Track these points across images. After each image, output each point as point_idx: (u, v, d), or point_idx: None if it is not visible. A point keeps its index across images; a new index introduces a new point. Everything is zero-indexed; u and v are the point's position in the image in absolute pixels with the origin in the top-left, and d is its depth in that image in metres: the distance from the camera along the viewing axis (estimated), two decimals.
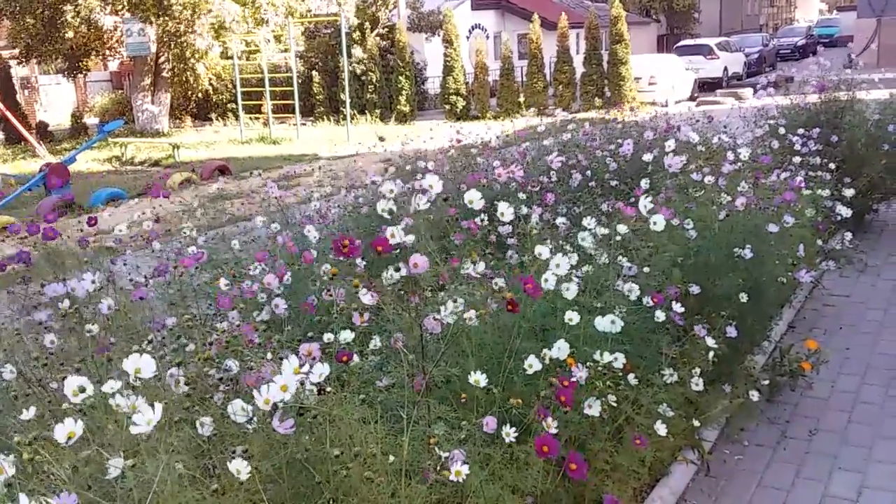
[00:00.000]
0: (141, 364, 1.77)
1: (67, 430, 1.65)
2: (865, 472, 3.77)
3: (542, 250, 2.71)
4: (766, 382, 4.33)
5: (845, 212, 5.17)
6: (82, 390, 1.72)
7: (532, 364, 2.51)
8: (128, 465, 1.61)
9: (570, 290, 2.71)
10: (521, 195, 4.76)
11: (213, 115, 25.81)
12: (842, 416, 4.34)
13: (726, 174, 4.57)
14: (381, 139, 7.28)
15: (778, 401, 4.50)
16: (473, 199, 2.59)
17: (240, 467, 1.74)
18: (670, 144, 4.74)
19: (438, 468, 2.04)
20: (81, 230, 4.22)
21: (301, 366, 1.93)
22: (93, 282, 3.14)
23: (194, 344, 2.49)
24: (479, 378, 2.32)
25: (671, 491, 3.60)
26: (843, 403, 4.48)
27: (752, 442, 4.13)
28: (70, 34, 20.29)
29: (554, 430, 2.42)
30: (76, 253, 3.89)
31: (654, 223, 3.11)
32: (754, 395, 3.94)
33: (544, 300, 2.86)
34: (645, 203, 3.09)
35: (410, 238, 2.38)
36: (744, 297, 3.81)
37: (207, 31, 19.63)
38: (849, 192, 5.66)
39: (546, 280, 2.58)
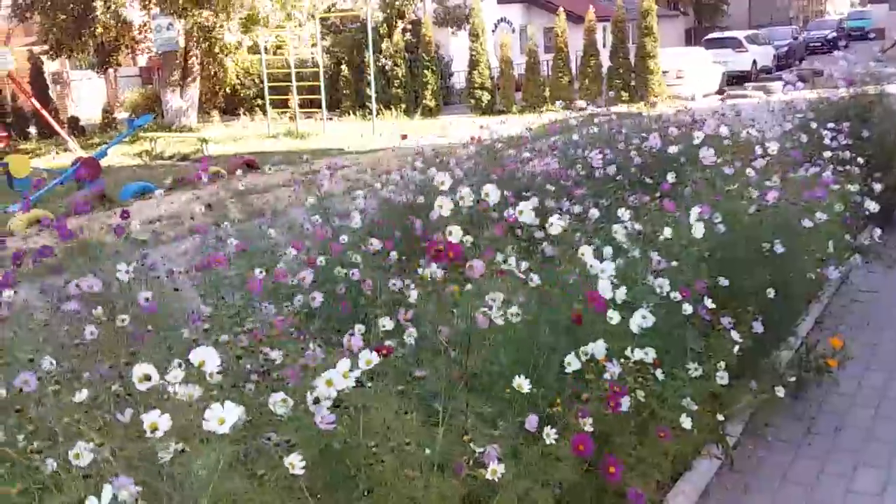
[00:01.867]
0: (205, 356, 1.83)
1: (151, 420, 1.70)
2: (891, 469, 3.77)
3: (586, 251, 2.74)
4: (793, 378, 4.32)
5: (873, 206, 5.14)
6: (147, 378, 1.78)
7: (571, 363, 2.55)
8: (178, 450, 1.67)
9: (619, 294, 2.75)
10: (550, 187, 4.79)
11: (241, 110, 26.02)
12: (868, 412, 4.33)
13: (756, 169, 4.55)
14: (403, 137, 7.33)
15: (804, 397, 4.49)
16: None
17: (294, 461, 1.80)
18: (699, 136, 4.73)
19: (472, 463, 2.08)
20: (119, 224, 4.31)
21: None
22: (127, 272, 3.23)
23: (229, 336, 2.55)
24: (521, 383, 2.35)
25: (694, 485, 3.62)
26: (870, 400, 4.46)
27: (777, 437, 4.13)
28: (100, 30, 20.54)
29: (590, 428, 2.46)
30: (108, 245, 3.98)
31: (694, 231, 3.14)
32: (780, 391, 3.94)
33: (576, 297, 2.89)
34: (695, 211, 3.12)
35: (468, 238, 2.44)
36: (771, 293, 3.81)
37: (238, 26, 19.78)
38: (878, 187, 5.62)
39: (603, 290, 2.64)
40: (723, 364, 3.29)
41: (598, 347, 2.59)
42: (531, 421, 2.37)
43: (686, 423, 2.88)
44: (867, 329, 5.46)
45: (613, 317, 2.72)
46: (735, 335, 3.37)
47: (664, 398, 2.95)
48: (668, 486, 3.56)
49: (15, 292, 3.37)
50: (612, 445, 2.82)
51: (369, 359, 1.97)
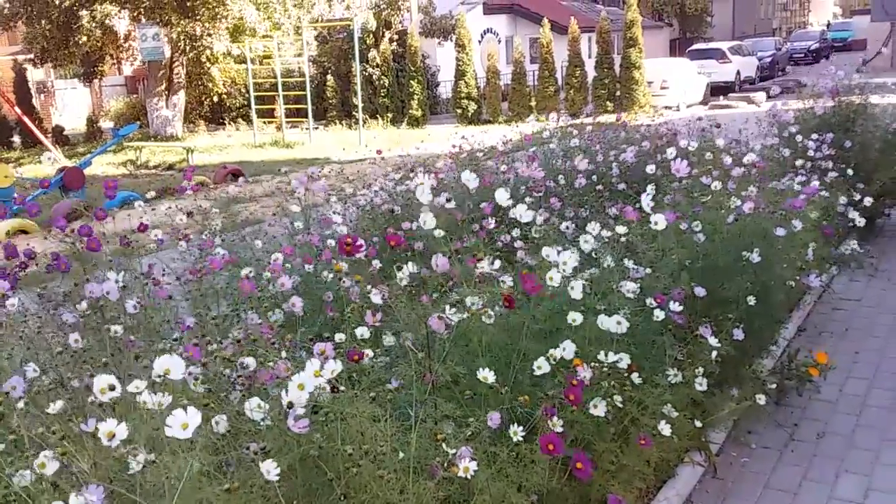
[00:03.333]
0: (170, 364, 1.81)
1: (108, 428, 1.68)
2: (872, 475, 3.79)
3: (550, 252, 2.76)
4: (775, 386, 4.35)
5: (858, 218, 5.19)
6: (111, 388, 1.77)
7: (541, 366, 2.57)
8: (150, 461, 1.66)
9: (576, 290, 2.75)
10: (528, 199, 4.81)
11: (227, 120, 25.99)
12: (849, 419, 4.36)
13: (735, 178, 4.60)
14: (378, 152, 7.37)
15: (786, 404, 4.52)
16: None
17: (269, 468, 1.79)
18: (672, 151, 4.79)
19: (446, 465, 2.08)
20: (104, 233, 4.29)
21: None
22: (117, 281, 3.22)
23: (214, 343, 2.55)
24: (486, 375, 2.35)
25: (678, 492, 3.63)
26: (851, 407, 4.50)
27: (760, 444, 4.15)
28: (84, 39, 20.47)
29: (559, 429, 2.47)
30: (101, 253, 3.96)
31: (656, 223, 3.16)
32: (761, 399, 3.97)
33: (552, 302, 2.90)
34: (647, 202, 3.13)
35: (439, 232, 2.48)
36: (751, 301, 3.84)
37: (224, 35, 19.78)
38: (867, 201, 5.68)
39: (551, 278, 2.64)
40: (701, 371, 3.31)
41: (567, 348, 2.61)
42: (493, 418, 2.37)
43: (665, 429, 2.89)
44: (849, 337, 5.50)
45: (577, 318, 2.73)
46: (712, 341, 3.39)
47: (645, 405, 2.96)
48: (652, 494, 3.58)
49: (4, 296, 3.36)
50: (594, 452, 2.83)
51: (335, 367, 1.97)
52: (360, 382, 2.17)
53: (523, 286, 2.50)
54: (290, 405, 1.85)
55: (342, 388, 2.04)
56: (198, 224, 4.83)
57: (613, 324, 2.78)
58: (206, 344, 2.54)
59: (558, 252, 2.74)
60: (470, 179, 2.60)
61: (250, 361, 2.26)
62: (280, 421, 1.93)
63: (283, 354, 2.32)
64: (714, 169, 4.65)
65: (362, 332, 2.47)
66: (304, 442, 1.94)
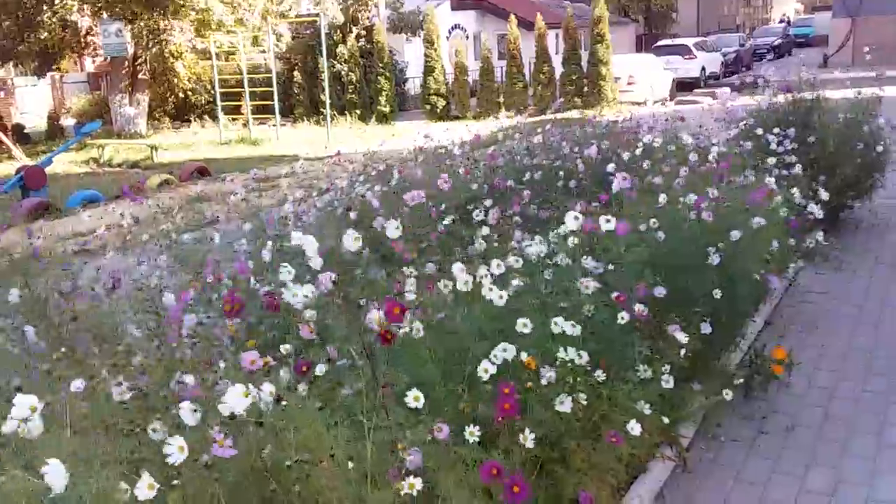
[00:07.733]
0: (33, 401, 1.71)
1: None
2: (841, 467, 3.81)
3: (458, 267, 2.78)
4: (743, 380, 4.36)
5: (817, 211, 5.22)
6: None
7: (487, 369, 2.56)
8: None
9: (502, 299, 2.75)
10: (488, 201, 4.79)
11: (192, 117, 25.62)
12: (818, 411, 4.38)
13: (698, 173, 4.60)
14: (337, 153, 7.30)
15: (755, 397, 4.53)
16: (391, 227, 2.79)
17: (150, 482, 1.69)
18: (625, 158, 4.80)
19: (403, 472, 2.03)
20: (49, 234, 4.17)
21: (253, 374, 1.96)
22: (20, 296, 3.15)
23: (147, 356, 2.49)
24: (417, 395, 2.27)
25: (649, 488, 3.61)
26: (820, 399, 4.52)
27: (729, 438, 4.15)
28: (45, 34, 20.02)
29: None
30: (49, 258, 3.86)
31: (608, 220, 3.16)
32: (728, 393, 3.97)
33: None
34: (574, 215, 3.14)
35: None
36: (717, 295, 3.83)
37: (189, 28, 19.48)
38: (824, 196, 5.71)
39: (491, 289, 2.65)
40: (668, 367, 3.30)
41: (508, 350, 2.60)
42: (443, 430, 2.32)
43: (636, 428, 2.87)
44: (816, 330, 5.54)
45: (527, 324, 2.72)
46: (680, 335, 3.37)
47: (615, 402, 2.93)
48: (624, 490, 3.55)
49: None
50: (564, 450, 2.80)
51: (271, 389, 1.92)
52: (303, 398, 2.10)
53: (387, 315, 2.40)
54: (233, 416, 1.79)
55: (284, 402, 1.97)
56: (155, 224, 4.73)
57: (569, 327, 2.79)
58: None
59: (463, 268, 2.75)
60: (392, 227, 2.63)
61: (189, 378, 2.18)
62: (227, 431, 1.85)
63: (221, 368, 2.26)
64: (678, 165, 4.64)
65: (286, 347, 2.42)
66: (253, 455, 1.87)
